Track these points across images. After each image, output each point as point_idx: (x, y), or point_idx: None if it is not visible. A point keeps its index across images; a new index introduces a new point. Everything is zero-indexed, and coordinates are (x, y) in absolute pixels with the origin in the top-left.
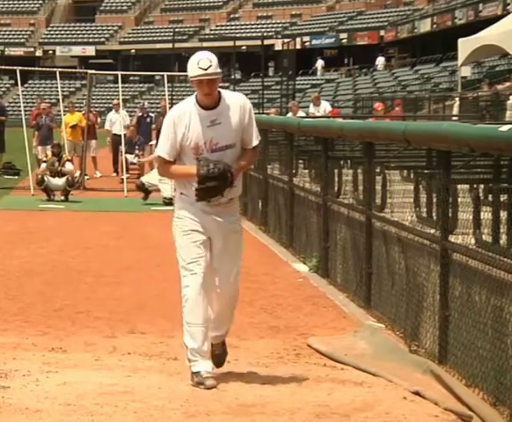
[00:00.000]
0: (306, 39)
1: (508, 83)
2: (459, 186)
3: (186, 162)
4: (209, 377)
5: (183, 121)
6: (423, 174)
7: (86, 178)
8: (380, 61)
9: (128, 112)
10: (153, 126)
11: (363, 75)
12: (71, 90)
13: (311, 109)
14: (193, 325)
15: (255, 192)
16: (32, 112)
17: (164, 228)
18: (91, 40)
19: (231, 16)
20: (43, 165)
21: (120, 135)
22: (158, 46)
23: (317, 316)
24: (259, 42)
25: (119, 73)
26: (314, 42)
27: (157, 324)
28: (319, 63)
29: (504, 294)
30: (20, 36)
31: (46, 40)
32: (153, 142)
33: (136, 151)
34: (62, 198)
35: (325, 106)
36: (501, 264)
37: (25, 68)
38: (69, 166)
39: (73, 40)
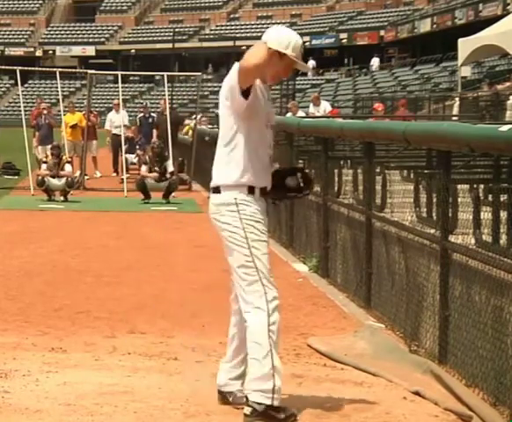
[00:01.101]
0: (306, 39)
1: (508, 83)
2: (459, 186)
3: (254, 133)
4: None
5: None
6: (423, 174)
7: (86, 178)
8: (375, 61)
9: (128, 112)
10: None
11: (363, 75)
12: (71, 90)
13: (311, 109)
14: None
15: None
16: (32, 111)
17: (164, 228)
18: (91, 40)
19: (231, 16)
20: (44, 166)
21: (120, 135)
22: (158, 46)
23: (317, 316)
24: None
25: (119, 73)
26: (314, 42)
27: (157, 324)
28: (310, 64)
29: (504, 294)
30: (20, 36)
31: (46, 40)
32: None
33: (138, 151)
34: (62, 198)
35: (325, 106)
36: (501, 264)
37: (25, 68)
38: (68, 168)
39: (73, 40)
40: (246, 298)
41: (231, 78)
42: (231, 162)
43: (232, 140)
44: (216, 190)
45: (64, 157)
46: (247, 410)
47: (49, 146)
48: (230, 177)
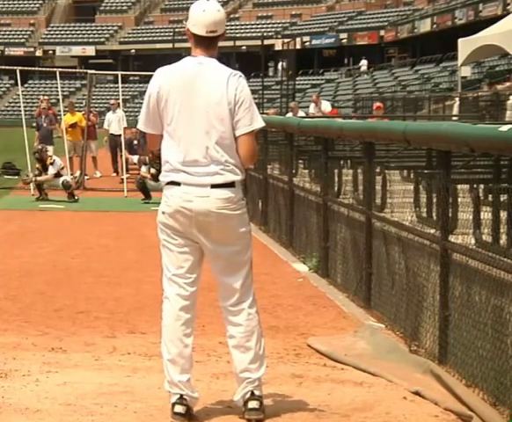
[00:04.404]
0: (306, 39)
1: (508, 83)
2: (459, 186)
3: None
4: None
5: None
6: (423, 174)
7: (86, 178)
8: (363, 63)
9: (127, 111)
10: None
11: (363, 75)
12: (71, 90)
13: (312, 109)
14: None
15: (255, 192)
16: (38, 110)
17: None
18: (91, 40)
19: (231, 16)
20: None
21: (117, 135)
22: (158, 46)
23: (317, 316)
24: (259, 42)
25: (119, 73)
26: (314, 42)
27: (157, 324)
28: (281, 65)
29: (504, 294)
30: (20, 36)
31: (46, 40)
32: None
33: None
34: (74, 198)
35: (326, 106)
36: (501, 264)
37: (25, 68)
38: (50, 171)
39: (73, 40)
40: (250, 293)
41: (241, 112)
42: (238, 159)
43: (234, 139)
44: (231, 185)
45: (48, 160)
46: (257, 403)
47: (49, 146)
48: (241, 173)
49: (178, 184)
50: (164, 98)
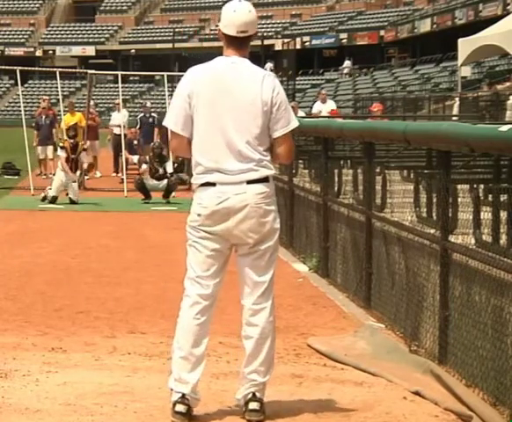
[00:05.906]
0: (306, 39)
1: (508, 83)
2: (459, 186)
3: None
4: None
5: None
6: (423, 174)
7: (86, 178)
8: (347, 64)
9: (128, 111)
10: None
11: (363, 75)
12: (71, 90)
13: (319, 107)
14: None
15: None
16: (38, 110)
17: (164, 228)
18: (91, 40)
19: None
20: (60, 151)
21: (119, 135)
22: (158, 46)
23: (317, 316)
24: (259, 42)
25: (119, 73)
26: (314, 42)
27: (157, 324)
28: (268, 66)
29: (504, 294)
30: (20, 36)
31: (46, 40)
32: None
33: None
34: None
35: (330, 105)
36: (501, 264)
37: (25, 68)
38: (83, 158)
39: (73, 40)
40: (271, 295)
41: (277, 116)
42: (269, 156)
43: (267, 139)
44: (266, 179)
45: (81, 144)
46: (257, 405)
47: (50, 146)
48: (273, 168)
49: (213, 184)
50: (194, 98)
